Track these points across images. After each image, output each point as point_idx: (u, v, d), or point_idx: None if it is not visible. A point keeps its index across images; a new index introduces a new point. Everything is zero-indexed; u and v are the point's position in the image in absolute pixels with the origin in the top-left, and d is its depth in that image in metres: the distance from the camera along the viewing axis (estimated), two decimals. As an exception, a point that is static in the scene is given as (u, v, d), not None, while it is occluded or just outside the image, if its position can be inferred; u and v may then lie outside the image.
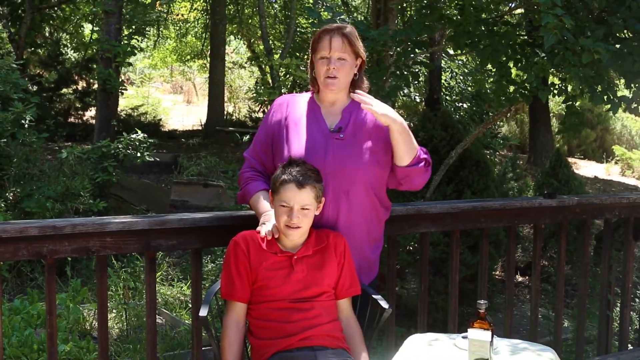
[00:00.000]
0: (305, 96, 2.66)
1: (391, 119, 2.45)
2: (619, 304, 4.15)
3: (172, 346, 4.51)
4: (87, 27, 15.16)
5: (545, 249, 6.74)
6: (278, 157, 2.55)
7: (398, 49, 5.15)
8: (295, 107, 2.61)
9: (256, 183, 2.60)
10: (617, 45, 4.20)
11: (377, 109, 2.44)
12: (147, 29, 10.65)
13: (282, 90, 6.80)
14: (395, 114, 2.47)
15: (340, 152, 2.50)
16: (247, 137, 6.75)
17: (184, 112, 18.30)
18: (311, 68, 2.61)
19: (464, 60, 12.49)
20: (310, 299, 2.37)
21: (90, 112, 13.40)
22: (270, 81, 8.30)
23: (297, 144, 2.52)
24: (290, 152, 2.50)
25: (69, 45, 15.05)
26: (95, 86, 10.57)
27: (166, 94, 22.09)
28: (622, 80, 4.64)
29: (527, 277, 6.86)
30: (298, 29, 11.94)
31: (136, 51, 8.36)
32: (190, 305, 4.67)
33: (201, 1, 15.87)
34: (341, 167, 2.49)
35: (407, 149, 2.51)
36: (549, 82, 5.01)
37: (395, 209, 2.87)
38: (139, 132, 7.13)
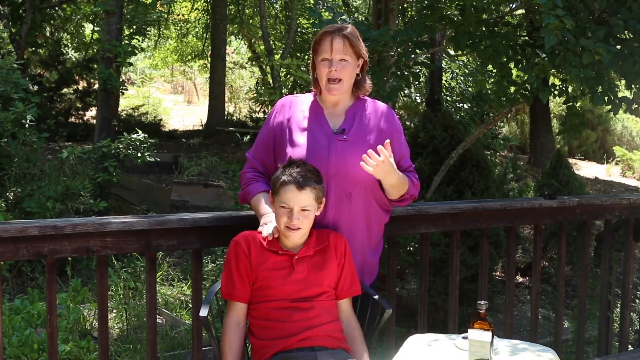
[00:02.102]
0: (308, 97, 2.64)
1: (382, 175, 2.42)
2: (619, 305, 4.14)
3: (173, 346, 4.51)
4: (88, 27, 15.16)
5: (545, 249, 6.74)
6: (281, 158, 2.53)
7: (399, 49, 5.16)
8: (297, 108, 2.60)
9: (257, 184, 2.59)
10: (618, 46, 4.20)
11: (374, 171, 2.37)
12: (147, 29, 10.66)
13: (283, 91, 6.81)
14: (392, 168, 2.42)
15: (344, 154, 2.49)
16: (248, 137, 6.76)
17: (185, 112, 18.30)
18: (313, 69, 2.59)
19: (465, 60, 12.50)
20: (310, 299, 2.37)
21: (91, 112, 13.40)
22: (271, 81, 8.31)
23: (300, 145, 2.51)
24: (293, 154, 2.49)
25: (70, 45, 15.05)
26: (96, 86, 10.56)
27: (167, 94, 22.09)
28: (623, 81, 4.64)
29: (527, 278, 6.85)
30: (299, 29, 11.96)
31: (137, 51, 8.36)
32: (190, 305, 4.67)
33: (202, 1, 15.87)
34: (344, 169, 2.48)
35: (394, 192, 2.55)
36: (550, 83, 5.01)
37: (396, 209, 2.87)
38: (140, 132, 7.13)
